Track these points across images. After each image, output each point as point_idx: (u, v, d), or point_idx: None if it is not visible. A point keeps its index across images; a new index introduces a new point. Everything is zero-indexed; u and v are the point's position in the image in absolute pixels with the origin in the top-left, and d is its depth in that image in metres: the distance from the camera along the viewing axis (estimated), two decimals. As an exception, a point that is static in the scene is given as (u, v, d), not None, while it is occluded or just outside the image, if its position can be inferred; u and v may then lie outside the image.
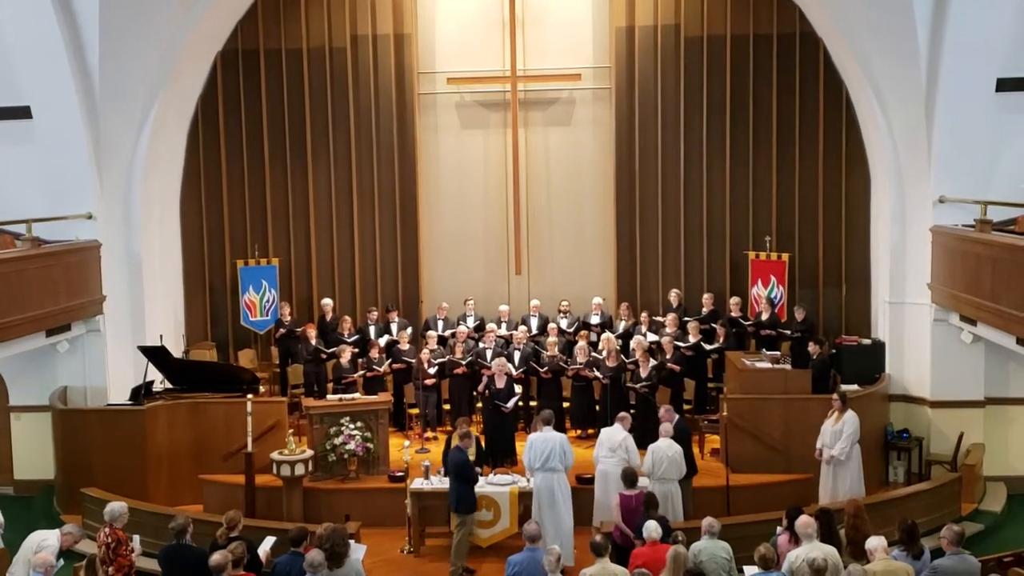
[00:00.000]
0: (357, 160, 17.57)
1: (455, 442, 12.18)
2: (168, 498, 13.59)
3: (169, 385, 14.80)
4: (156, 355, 14.44)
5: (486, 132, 17.79)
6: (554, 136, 17.78)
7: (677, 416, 12.58)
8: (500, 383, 14.27)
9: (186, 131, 17.06)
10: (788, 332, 15.74)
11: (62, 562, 9.39)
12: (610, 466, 12.07)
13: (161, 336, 15.06)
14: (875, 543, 8.89)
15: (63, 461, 14.08)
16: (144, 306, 15.46)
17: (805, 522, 9.22)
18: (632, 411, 14.16)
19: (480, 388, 14.71)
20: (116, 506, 10.07)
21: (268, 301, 17.06)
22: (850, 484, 12.66)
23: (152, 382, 14.56)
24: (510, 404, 14.26)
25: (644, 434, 13.18)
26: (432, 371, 15.32)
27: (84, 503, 13.07)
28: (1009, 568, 9.78)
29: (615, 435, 12.29)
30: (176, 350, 15.82)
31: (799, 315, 15.73)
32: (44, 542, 9.52)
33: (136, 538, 10.26)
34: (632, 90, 17.30)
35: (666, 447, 11.92)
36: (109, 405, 14.51)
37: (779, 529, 9.94)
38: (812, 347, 14.87)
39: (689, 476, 12.43)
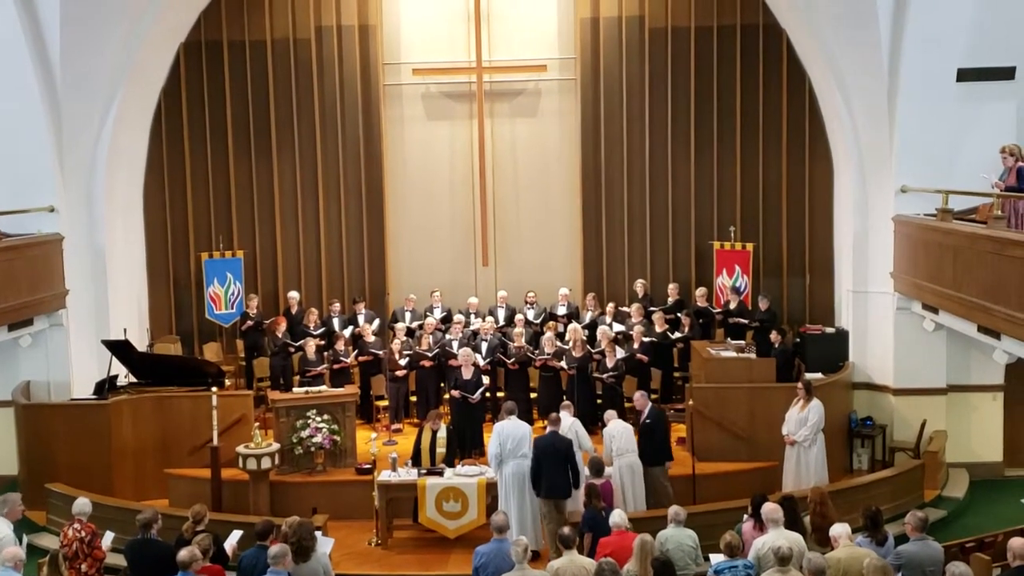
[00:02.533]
0: (322, 151, 17.48)
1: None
2: (134, 493, 13.51)
3: (133, 379, 14.67)
4: (120, 349, 14.32)
5: (452, 123, 17.76)
6: (520, 127, 17.78)
7: (650, 404, 12.68)
8: (467, 374, 14.28)
9: (149, 123, 16.88)
10: (751, 321, 15.83)
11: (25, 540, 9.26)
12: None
13: (125, 330, 14.91)
14: (839, 530, 8.99)
15: (26, 456, 13.92)
16: (108, 300, 15.31)
17: (770, 509, 9.32)
18: (599, 401, 14.27)
19: (449, 388, 14.65)
20: (83, 500, 10.04)
21: (233, 294, 16.95)
22: (814, 471, 12.80)
23: (116, 376, 14.43)
24: (477, 395, 14.28)
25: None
26: (403, 362, 15.30)
27: (48, 499, 12.96)
28: (971, 553, 9.91)
29: (563, 422, 12.38)
30: (140, 344, 15.68)
31: (763, 304, 15.85)
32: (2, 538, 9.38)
33: (109, 534, 10.20)
34: (597, 81, 17.34)
35: (618, 426, 12.28)
36: (73, 400, 14.40)
37: (745, 517, 10.03)
38: (774, 336, 15.01)
39: (664, 461, 12.55)
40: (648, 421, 12.56)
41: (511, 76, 17.55)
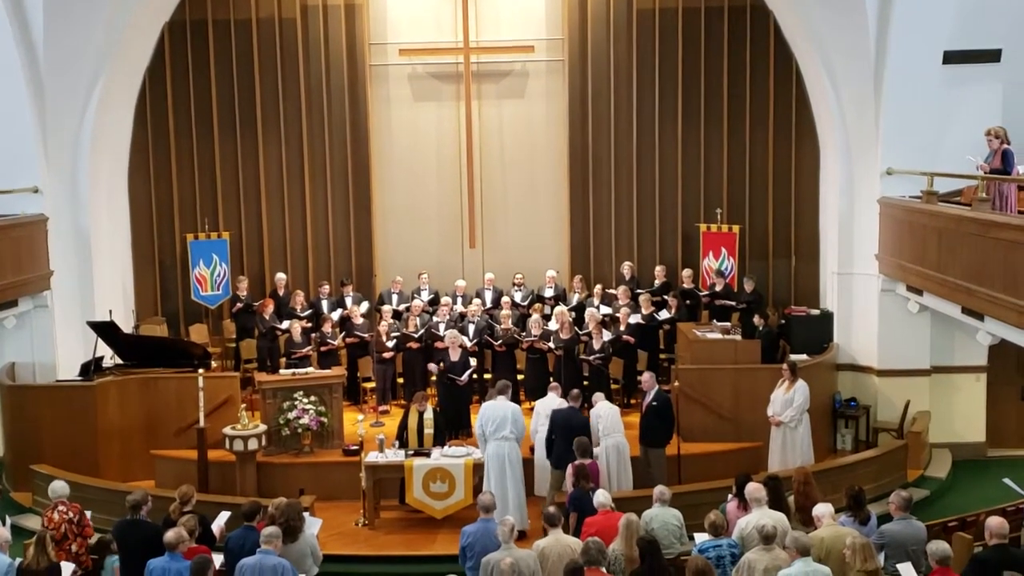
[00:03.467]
0: (308, 132, 17.42)
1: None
2: (120, 474, 13.51)
3: (119, 361, 14.64)
4: (105, 330, 14.27)
5: (439, 104, 17.70)
6: (507, 109, 17.74)
7: (657, 386, 12.76)
8: (454, 356, 14.29)
9: (133, 104, 16.77)
10: (736, 303, 15.88)
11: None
12: (546, 434, 12.27)
13: (110, 311, 14.88)
14: (822, 510, 9.07)
15: (11, 438, 13.91)
16: (93, 281, 15.24)
17: (753, 489, 9.39)
18: (586, 383, 14.31)
19: (434, 368, 14.67)
20: (60, 483, 10.11)
21: (219, 275, 16.90)
22: (799, 452, 12.89)
23: (102, 358, 14.40)
24: (464, 377, 14.31)
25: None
26: (390, 344, 15.30)
27: (34, 480, 12.96)
28: (954, 532, 10.00)
29: (549, 404, 12.54)
30: (126, 325, 15.64)
31: (748, 286, 15.90)
32: None
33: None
34: (585, 62, 17.31)
35: (605, 407, 12.36)
36: (58, 381, 14.36)
37: (729, 497, 10.10)
38: (757, 319, 15.08)
39: (665, 443, 12.65)
40: (655, 403, 12.60)
41: (498, 57, 17.49)
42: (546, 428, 12.32)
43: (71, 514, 9.85)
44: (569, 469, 11.15)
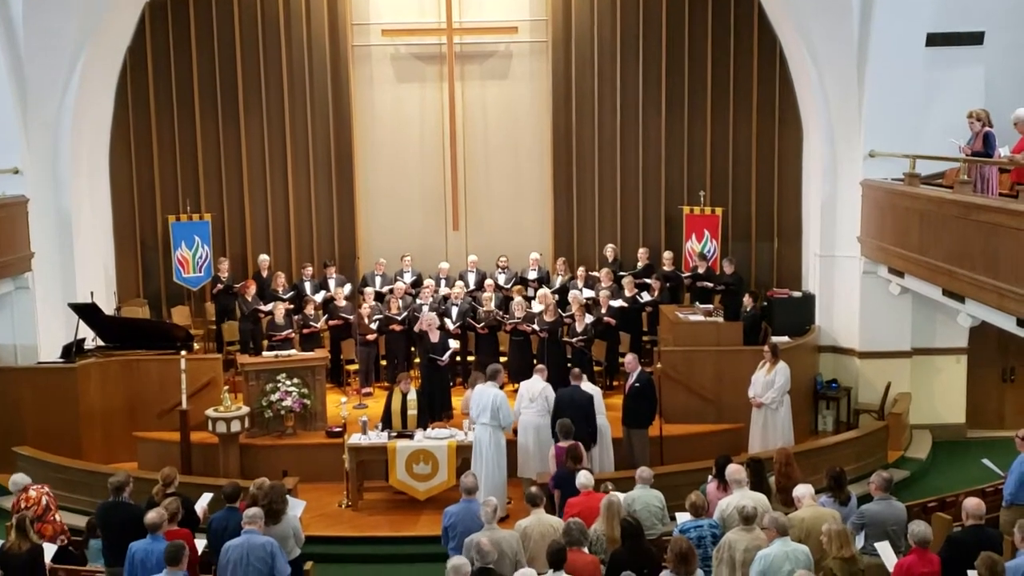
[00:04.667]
0: (291, 113, 17.33)
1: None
2: (103, 456, 13.49)
3: (101, 343, 14.59)
4: (87, 312, 14.20)
5: (422, 86, 17.64)
6: (491, 90, 17.68)
7: (640, 368, 12.80)
8: (434, 337, 14.29)
9: (114, 84, 16.62)
10: (716, 285, 15.90)
11: None
12: (531, 416, 12.38)
13: (92, 293, 14.81)
14: (802, 491, 9.11)
15: (-7, 420, 13.86)
16: (74, 262, 15.12)
17: (733, 470, 9.44)
18: (569, 364, 14.32)
19: (419, 352, 14.72)
20: (20, 476, 10.32)
21: (201, 257, 16.83)
22: (780, 433, 12.96)
23: (83, 339, 14.35)
24: (445, 358, 14.31)
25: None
26: (373, 326, 15.29)
27: (16, 462, 12.89)
28: (933, 513, 10.10)
29: (534, 386, 12.54)
30: (108, 307, 15.56)
31: (728, 268, 15.92)
32: None
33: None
34: (569, 44, 17.26)
35: (587, 389, 12.38)
36: (40, 363, 14.30)
37: (709, 478, 10.14)
38: (747, 300, 15.11)
39: (647, 424, 12.73)
40: (637, 385, 12.66)
41: (482, 38, 17.43)
42: (531, 410, 12.37)
43: (45, 488, 10.04)
44: (552, 450, 11.21)
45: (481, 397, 12.02)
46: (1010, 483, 10.02)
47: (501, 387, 12.26)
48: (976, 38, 14.28)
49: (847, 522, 8.85)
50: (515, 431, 12.67)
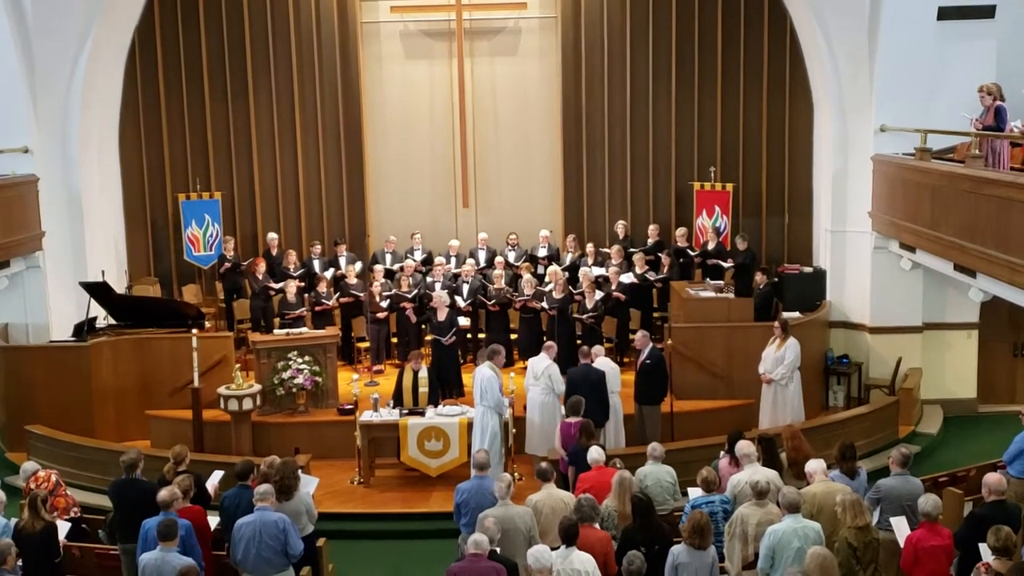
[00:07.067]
0: (300, 90, 17.30)
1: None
2: (115, 434, 13.56)
3: (113, 321, 14.64)
4: (98, 291, 14.26)
5: (431, 62, 17.57)
6: (500, 66, 17.61)
7: (651, 344, 12.79)
8: (441, 316, 14.29)
9: (123, 62, 16.60)
10: (729, 262, 15.86)
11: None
12: (536, 394, 12.43)
13: (103, 272, 14.85)
14: (814, 466, 9.12)
15: (6, 399, 13.93)
16: (85, 241, 15.18)
17: (745, 446, 9.45)
18: (579, 341, 14.33)
19: (416, 320, 14.80)
20: (30, 463, 10.41)
21: (211, 236, 16.87)
22: (790, 409, 12.95)
23: (95, 318, 14.40)
24: (450, 337, 14.29)
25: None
26: (384, 304, 15.31)
27: (29, 440, 13.01)
28: (944, 488, 10.11)
29: (539, 364, 12.54)
30: (119, 286, 15.61)
31: (741, 245, 15.87)
32: None
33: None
34: (578, 19, 17.16)
35: (606, 363, 12.41)
36: (52, 342, 14.36)
37: (721, 453, 10.15)
38: (759, 277, 15.06)
39: (659, 401, 12.75)
40: (648, 361, 12.66)
41: (491, 14, 17.35)
42: (536, 388, 12.39)
43: (53, 471, 10.28)
44: (560, 426, 11.24)
45: (476, 377, 12.13)
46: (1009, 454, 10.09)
47: (501, 367, 12.25)
48: (987, 11, 14.15)
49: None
50: (524, 407, 12.71)
